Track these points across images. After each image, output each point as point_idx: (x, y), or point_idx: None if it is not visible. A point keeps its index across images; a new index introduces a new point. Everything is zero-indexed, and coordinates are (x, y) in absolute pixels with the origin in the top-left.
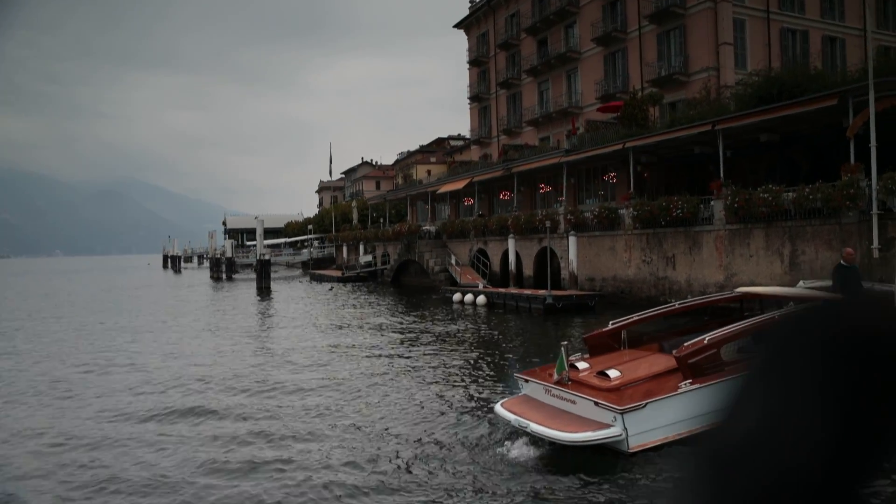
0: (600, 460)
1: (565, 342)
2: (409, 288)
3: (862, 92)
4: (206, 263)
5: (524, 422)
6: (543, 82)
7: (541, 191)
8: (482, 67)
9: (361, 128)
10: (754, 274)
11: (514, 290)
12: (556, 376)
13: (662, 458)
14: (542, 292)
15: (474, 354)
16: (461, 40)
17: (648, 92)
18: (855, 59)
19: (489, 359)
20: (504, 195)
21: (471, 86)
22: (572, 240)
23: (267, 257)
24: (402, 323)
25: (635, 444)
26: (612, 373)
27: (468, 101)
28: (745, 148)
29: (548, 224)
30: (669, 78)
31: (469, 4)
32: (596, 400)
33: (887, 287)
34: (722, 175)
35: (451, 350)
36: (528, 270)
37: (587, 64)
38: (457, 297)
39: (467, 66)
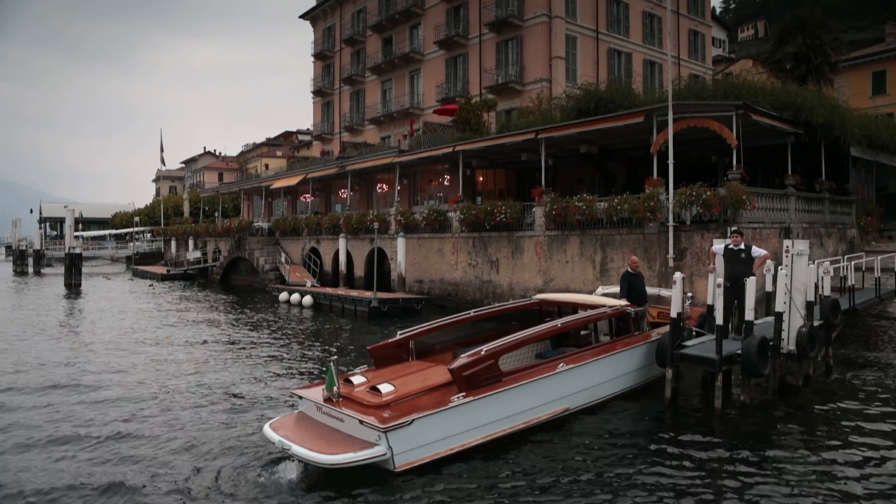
0: (366, 480)
1: (334, 357)
2: (239, 287)
3: (663, 112)
4: None
5: (287, 443)
6: (387, 81)
7: (379, 190)
8: (327, 62)
9: (208, 116)
10: (570, 279)
11: (340, 292)
12: (325, 393)
13: (431, 476)
14: (367, 294)
15: (279, 363)
16: (310, 31)
17: (483, 98)
18: (672, 83)
19: (292, 368)
20: (342, 193)
21: (315, 79)
22: (401, 241)
23: (78, 251)
24: (216, 325)
25: (402, 462)
26: (385, 388)
27: (312, 95)
28: (569, 158)
29: (376, 225)
30: (506, 86)
31: None
32: (361, 418)
33: (668, 292)
34: (543, 182)
35: (257, 357)
36: (359, 271)
37: (429, 66)
38: (283, 296)
39: (312, 59)
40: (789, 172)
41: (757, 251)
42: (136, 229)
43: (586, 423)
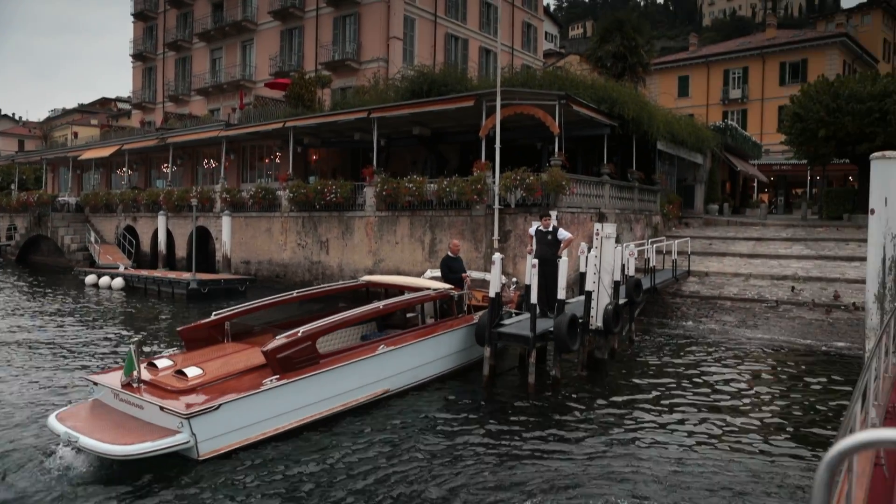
0: (166, 469)
1: (136, 338)
2: (40, 267)
3: (492, 97)
4: None
5: (74, 434)
6: (217, 49)
7: (205, 166)
8: (149, 23)
9: (7, 74)
10: (399, 260)
11: (157, 274)
12: (123, 378)
13: (237, 461)
14: (186, 276)
15: (78, 349)
16: None
17: (318, 73)
18: (504, 71)
19: (93, 355)
20: (164, 168)
21: (135, 42)
22: (226, 220)
23: None
24: (5, 309)
25: (207, 450)
26: (192, 371)
27: (131, 59)
28: (402, 139)
29: (195, 202)
30: (342, 63)
31: None
32: (161, 404)
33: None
34: (375, 163)
35: (51, 344)
36: (181, 252)
37: (263, 37)
38: (90, 279)
39: (132, 18)
40: (605, 162)
41: (563, 234)
42: None
43: (405, 404)
